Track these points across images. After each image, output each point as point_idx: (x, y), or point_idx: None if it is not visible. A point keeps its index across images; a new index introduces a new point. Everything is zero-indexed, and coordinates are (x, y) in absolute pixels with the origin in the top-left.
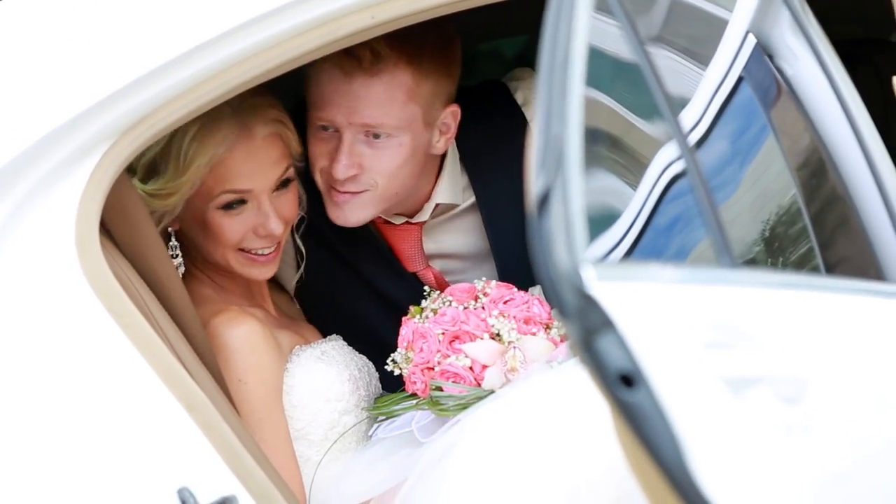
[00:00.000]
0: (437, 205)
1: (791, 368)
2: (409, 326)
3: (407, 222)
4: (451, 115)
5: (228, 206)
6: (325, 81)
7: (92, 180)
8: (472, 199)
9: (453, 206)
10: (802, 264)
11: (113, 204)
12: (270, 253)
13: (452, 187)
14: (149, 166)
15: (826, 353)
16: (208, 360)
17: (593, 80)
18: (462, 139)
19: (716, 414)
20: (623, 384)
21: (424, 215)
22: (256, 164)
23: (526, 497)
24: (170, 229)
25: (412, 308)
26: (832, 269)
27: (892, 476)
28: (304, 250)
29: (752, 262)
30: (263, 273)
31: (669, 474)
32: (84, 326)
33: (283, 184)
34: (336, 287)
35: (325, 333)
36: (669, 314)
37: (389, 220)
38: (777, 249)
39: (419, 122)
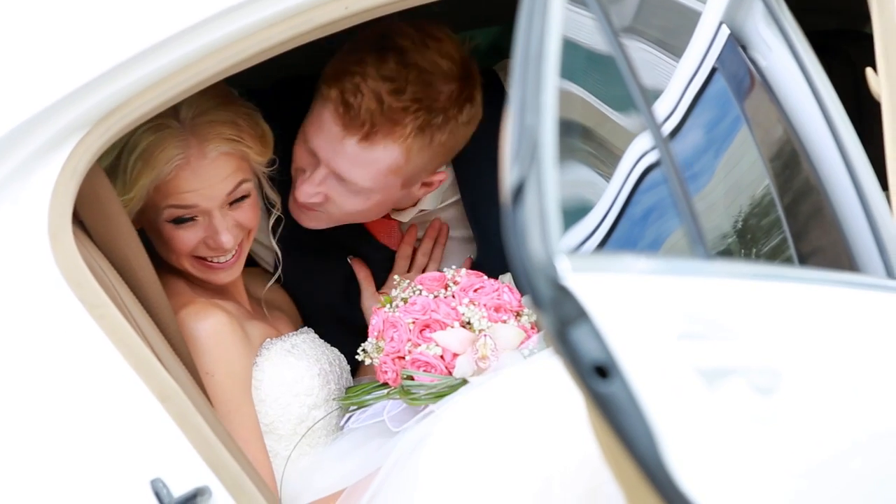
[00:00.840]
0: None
1: (765, 359)
2: (380, 316)
3: (387, 216)
4: (438, 180)
5: (177, 221)
6: (324, 118)
7: (65, 171)
8: (455, 196)
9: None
10: (776, 255)
11: (86, 194)
12: (228, 261)
13: (437, 196)
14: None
15: (800, 344)
16: (182, 351)
17: (567, 71)
18: None
19: (690, 405)
20: (597, 375)
21: (405, 217)
22: (203, 181)
23: (499, 488)
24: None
25: (382, 297)
26: (805, 259)
27: (865, 467)
28: (280, 254)
29: (725, 253)
30: (224, 277)
31: (643, 465)
32: (57, 317)
33: (240, 198)
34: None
35: (306, 316)
36: (644, 305)
37: None
38: (750, 240)
39: (395, 188)
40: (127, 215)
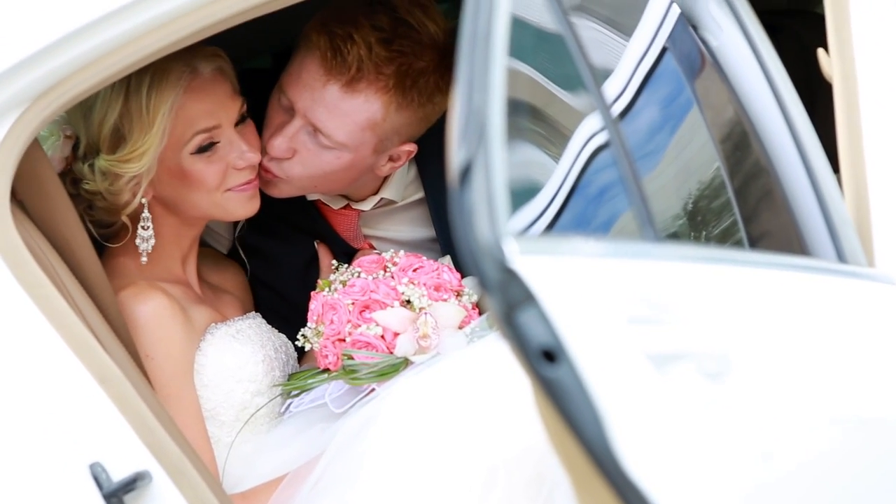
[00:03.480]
0: (381, 198)
1: (714, 344)
2: (319, 300)
3: (347, 206)
4: (405, 152)
5: (202, 150)
6: (307, 65)
7: (3, 148)
8: (418, 194)
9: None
10: (726, 238)
11: (25, 173)
12: (254, 180)
13: (400, 185)
14: (112, 135)
15: (750, 329)
16: (122, 333)
17: (516, 50)
18: None
19: (639, 390)
20: (545, 359)
21: (366, 206)
22: (215, 99)
23: (444, 476)
24: (143, 200)
25: (320, 281)
26: (756, 242)
27: (815, 453)
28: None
29: (675, 236)
30: (254, 206)
31: (591, 451)
32: None
33: (242, 118)
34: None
35: (259, 300)
36: (592, 288)
37: (328, 203)
38: (700, 223)
39: (367, 149)
40: (67, 195)
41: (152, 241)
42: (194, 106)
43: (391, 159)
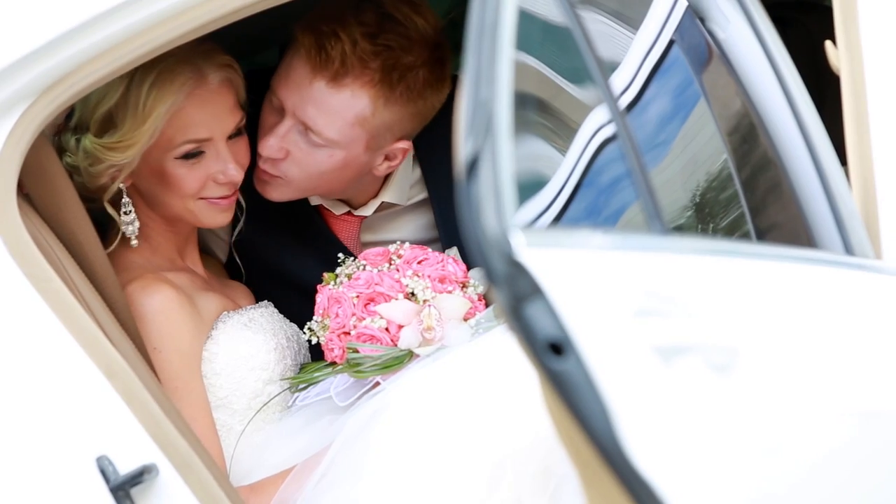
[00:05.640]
0: (382, 202)
1: (722, 337)
2: (324, 293)
3: (349, 213)
4: (400, 151)
5: (187, 156)
6: (294, 64)
7: (9, 141)
8: (422, 195)
9: (398, 204)
10: (733, 230)
11: (32, 166)
12: (231, 197)
13: (401, 187)
14: (104, 119)
15: (757, 321)
16: (129, 326)
17: (523, 43)
18: (418, 134)
19: (646, 383)
20: (552, 352)
21: (368, 211)
22: (214, 111)
23: (451, 470)
24: (121, 185)
25: (326, 275)
26: (763, 235)
27: (821, 445)
28: (244, 204)
29: (682, 228)
30: (225, 218)
31: (598, 444)
32: (1, 291)
33: (238, 132)
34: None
35: (262, 291)
36: (599, 281)
37: (329, 208)
38: (708, 215)
39: (359, 146)
40: (74, 188)
41: (137, 224)
42: (192, 114)
43: (387, 158)
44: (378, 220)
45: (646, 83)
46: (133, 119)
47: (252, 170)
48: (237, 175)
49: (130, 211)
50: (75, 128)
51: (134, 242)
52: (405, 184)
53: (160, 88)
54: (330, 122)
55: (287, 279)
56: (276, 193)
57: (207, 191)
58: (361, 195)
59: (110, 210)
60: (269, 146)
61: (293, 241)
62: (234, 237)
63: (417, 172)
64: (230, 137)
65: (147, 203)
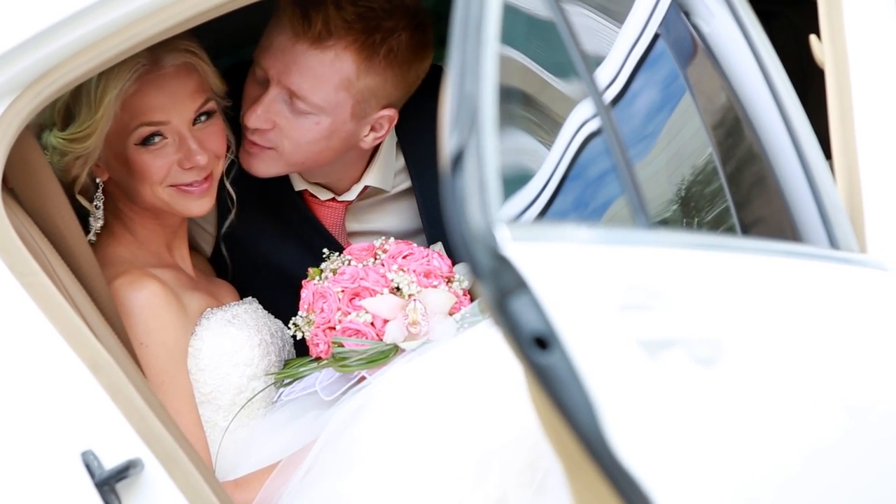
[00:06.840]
0: (366, 187)
1: (707, 330)
2: (310, 289)
3: (333, 199)
4: (386, 119)
5: (146, 141)
6: (276, 32)
7: None
8: (406, 184)
9: (383, 191)
10: (718, 224)
11: (16, 160)
12: (203, 184)
13: (385, 172)
14: (64, 113)
15: (742, 315)
16: (114, 321)
17: (508, 37)
18: (400, 121)
19: (631, 376)
20: (537, 346)
21: (351, 195)
22: (169, 95)
23: (437, 464)
24: (98, 180)
25: (311, 270)
26: (748, 229)
27: (806, 438)
28: (234, 195)
29: (667, 222)
30: (201, 206)
31: (583, 438)
32: None
33: (205, 115)
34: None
35: (249, 286)
36: (584, 275)
37: (315, 194)
38: (693, 209)
39: (345, 112)
40: (58, 183)
41: (101, 223)
42: (146, 98)
43: (373, 129)
44: (363, 209)
45: (631, 77)
46: (87, 108)
47: (236, 163)
48: (202, 160)
49: (100, 206)
50: (44, 125)
51: (91, 238)
52: (389, 169)
53: (109, 74)
54: (315, 86)
55: (272, 269)
56: (263, 167)
57: (174, 177)
58: (346, 177)
59: (83, 201)
60: (256, 116)
61: (278, 228)
62: (223, 230)
63: (401, 161)
64: (196, 123)
65: (128, 196)
